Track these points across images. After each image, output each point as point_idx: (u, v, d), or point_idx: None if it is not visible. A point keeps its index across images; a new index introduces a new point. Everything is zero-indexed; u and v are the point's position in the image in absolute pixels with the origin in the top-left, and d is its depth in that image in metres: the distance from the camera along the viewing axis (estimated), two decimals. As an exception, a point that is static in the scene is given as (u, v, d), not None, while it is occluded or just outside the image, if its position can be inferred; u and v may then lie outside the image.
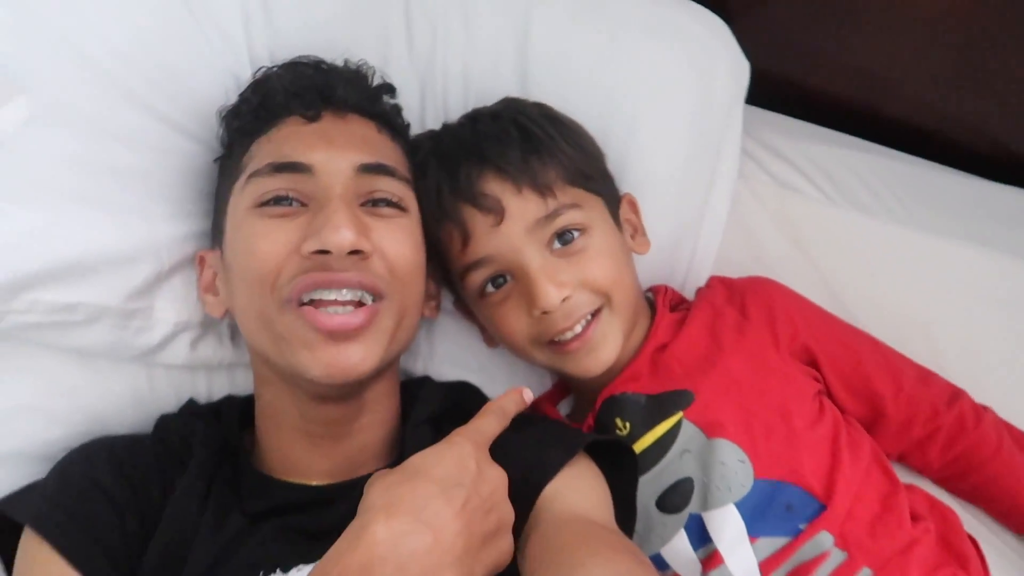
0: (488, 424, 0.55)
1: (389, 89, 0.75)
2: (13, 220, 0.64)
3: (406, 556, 0.45)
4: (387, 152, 0.69)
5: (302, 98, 0.68)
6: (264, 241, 0.62)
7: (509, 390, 0.60)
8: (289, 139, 0.66)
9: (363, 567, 0.45)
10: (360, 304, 0.62)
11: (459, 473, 0.50)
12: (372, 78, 0.74)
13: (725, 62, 0.88)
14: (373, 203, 0.66)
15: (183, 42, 0.72)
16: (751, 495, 0.69)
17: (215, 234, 0.72)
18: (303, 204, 0.64)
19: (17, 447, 0.69)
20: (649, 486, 0.72)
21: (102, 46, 0.68)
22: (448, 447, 0.51)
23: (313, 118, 0.67)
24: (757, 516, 0.69)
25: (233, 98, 0.73)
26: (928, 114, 0.98)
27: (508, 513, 0.52)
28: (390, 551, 0.45)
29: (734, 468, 0.70)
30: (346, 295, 0.61)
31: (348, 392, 0.64)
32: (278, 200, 0.63)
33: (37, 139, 0.65)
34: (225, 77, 0.74)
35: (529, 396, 0.60)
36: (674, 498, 0.71)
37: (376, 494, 0.48)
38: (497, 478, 0.52)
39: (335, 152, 0.65)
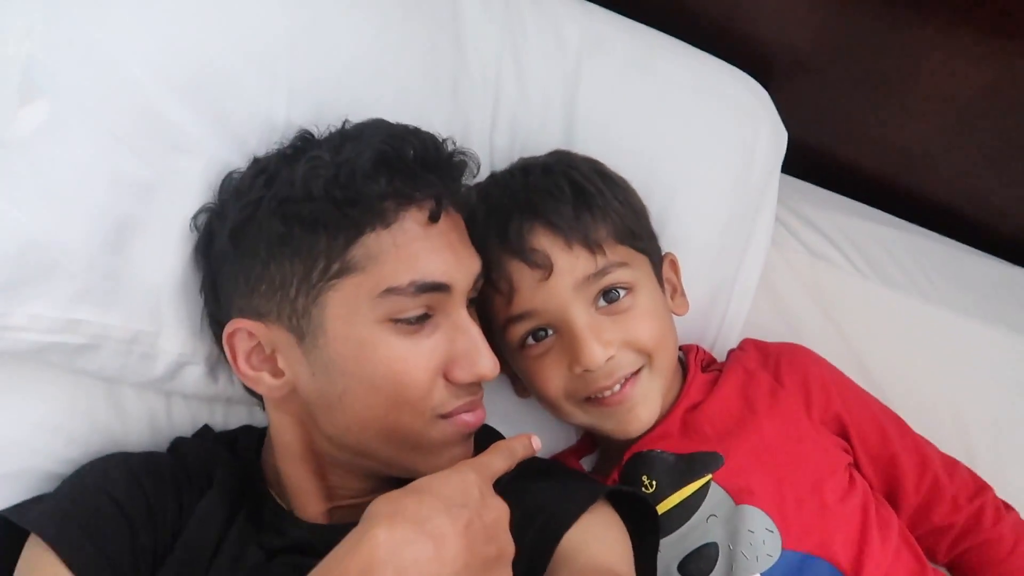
0: (495, 461, 0.55)
1: (467, 168, 0.70)
2: (16, 225, 0.62)
3: (407, 563, 0.45)
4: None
5: (425, 192, 0.63)
6: (416, 368, 0.62)
7: (519, 434, 0.60)
8: (421, 248, 0.62)
9: (363, 570, 0.44)
10: None
11: (463, 496, 0.49)
12: (455, 157, 0.69)
13: (766, 130, 0.90)
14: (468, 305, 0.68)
15: (221, 66, 0.68)
16: (778, 566, 0.67)
17: (269, 308, 0.63)
18: (430, 315, 0.64)
19: (36, 464, 0.67)
20: (672, 548, 0.70)
21: (137, 64, 0.66)
22: (454, 472, 0.51)
23: (435, 219, 0.63)
24: None
25: (265, 121, 0.69)
26: (959, 196, 1.00)
27: (508, 545, 0.51)
28: (391, 556, 0.45)
29: (762, 537, 0.69)
30: None
31: None
32: (420, 320, 0.63)
33: (52, 144, 0.63)
34: (259, 103, 0.70)
35: (537, 444, 0.59)
36: (698, 563, 0.69)
37: (380, 505, 0.48)
38: (499, 509, 0.51)
39: (462, 264, 0.65)
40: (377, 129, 0.66)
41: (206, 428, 0.75)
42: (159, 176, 0.67)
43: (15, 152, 0.62)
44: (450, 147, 0.68)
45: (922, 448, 0.79)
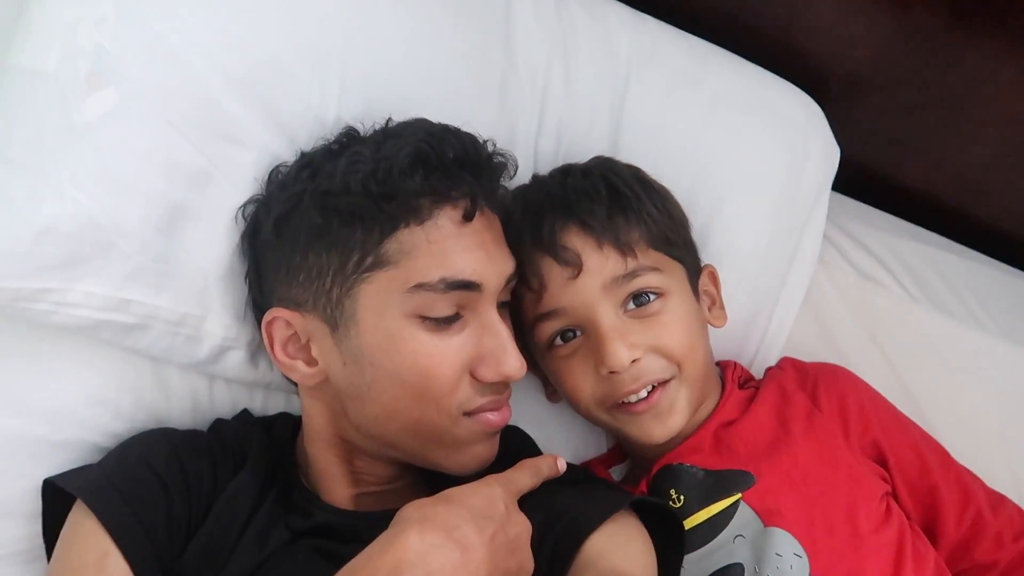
0: (521, 477, 0.58)
1: (505, 168, 0.71)
2: (75, 204, 0.64)
3: (434, 567, 0.47)
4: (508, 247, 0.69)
5: (461, 191, 0.64)
6: (442, 364, 0.63)
7: (547, 454, 0.63)
8: (454, 246, 0.63)
9: (392, 570, 0.47)
10: None
11: (490, 508, 0.52)
12: (495, 157, 0.70)
13: (817, 146, 0.89)
14: (500, 306, 0.67)
15: (278, 59, 0.71)
16: None
17: (305, 297, 0.65)
18: (460, 315, 0.64)
19: (84, 436, 0.70)
20: (696, 566, 0.69)
21: (198, 56, 0.68)
22: (482, 485, 0.54)
23: (471, 218, 0.64)
24: None
25: (316, 117, 0.71)
26: (1021, 222, 0.96)
27: (529, 561, 0.53)
28: (419, 559, 0.47)
29: (789, 561, 0.67)
30: None
31: None
32: (449, 319, 0.63)
33: (116, 132, 0.66)
34: (311, 97, 0.72)
35: (562, 465, 0.63)
36: None
37: (411, 510, 0.51)
38: (523, 524, 0.54)
39: (494, 264, 0.65)
40: (418, 128, 0.67)
41: (245, 412, 0.78)
42: (213, 166, 0.70)
43: (81, 136, 0.65)
44: (489, 148, 0.69)
45: (965, 481, 0.77)
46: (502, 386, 0.66)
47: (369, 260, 0.63)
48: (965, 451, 0.80)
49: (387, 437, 0.66)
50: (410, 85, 0.76)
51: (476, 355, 0.64)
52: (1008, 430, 0.85)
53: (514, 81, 0.81)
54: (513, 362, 0.64)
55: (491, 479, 0.55)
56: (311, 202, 0.64)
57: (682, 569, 0.69)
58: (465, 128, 0.68)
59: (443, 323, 0.63)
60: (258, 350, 0.75)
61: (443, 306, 0.63)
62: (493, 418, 0.65)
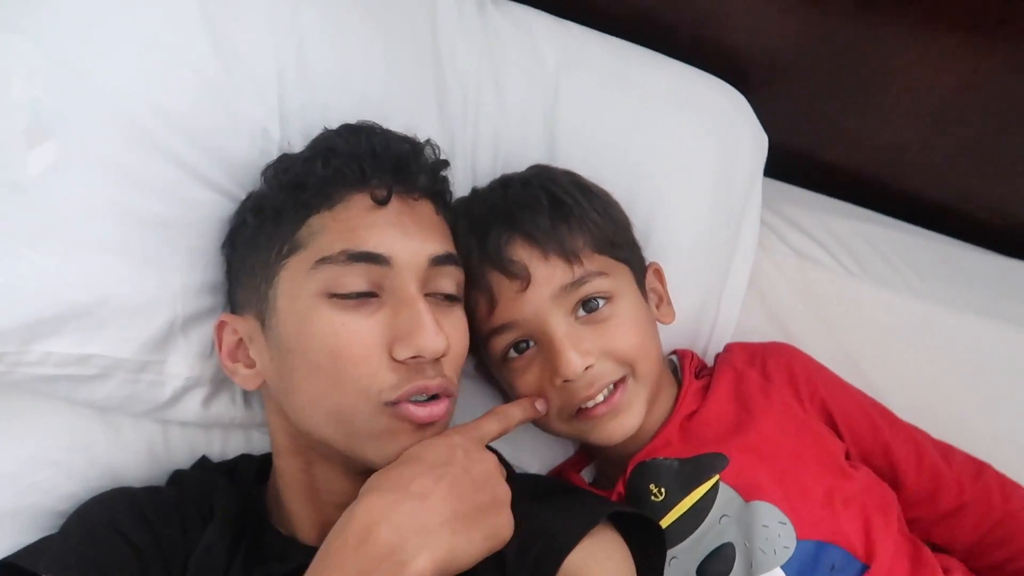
0: (487, 424, 0.60)
1: (446, 165, 0.72)
2: (30, 264, 0.63)
3: (399, 518, 0.51)
4: (447, 237, 0.68)
5: (376, 179, 0.65)
6: (351, 343, 0.60)
7: (522, 399, 0.63)
8: (361, 223, 0.63)
9: (362, 531, 0.51)
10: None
11: (447, 457, 0.56)
12: (429, 152, 0.70)
13: (746, 135, 0.91)
14: (434, 294, 0.65)
15: (217, 97, 0.71)
16: (795, 557, 0.68)
17: (247, 300, 0.67)
18: (375, 294, 0.63)
19: (36, 501, 0.68)
20: (688, 554, 0.71)
21: (138, 99, 0.67)
22: (439, 438, 0.57)
23: (383, 202, 0.64)
24: None
25: (262, 151, 0.71)
26: (945, 190, 1.01)
27: (503, 491, 0.57)
28: (384, 515, 0.52)
29: (776, 530, 0.69)
30: None
31: None
32: (360, 297, 0.62)
33: (62, 185, 0.64)
34: (255, 130, 0.72)
35: (542, 406, 0.63)
36: (716, 565, 0.70)
37: (371, 480, 0.55)
38: (487, 461, 0.57)
39: (410, 242, 0.63)
40: (342, 127, 0.69)
41: (204, 459, 0.76)
42: (170, 209, 0.69)
43: (27, 193, 0.63)
44: (429, 149, 0.70)
45: (915, 436, 0.80)
46: (429, 369, 0.62)
47: (286, 248, 0.64)
48: (915, 416, 0.82)
49: (317, 430, 0.63)
50: (348, 108, 0.75)
51: (393, 335, 0.61)
52: (952, 392, 0.88)
53: (447, 95, 0.82)
54: (428, 335, 0.60)
55: (450, 431, 0.58)
56: (247, 208, 0.69)
57: (675, 559, 0.70)
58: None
59: (354, 301, 0.61)
60: (220, 384, 0.74)
61: (350, 281, 0.61)
62: (419, 413, 0.61)
